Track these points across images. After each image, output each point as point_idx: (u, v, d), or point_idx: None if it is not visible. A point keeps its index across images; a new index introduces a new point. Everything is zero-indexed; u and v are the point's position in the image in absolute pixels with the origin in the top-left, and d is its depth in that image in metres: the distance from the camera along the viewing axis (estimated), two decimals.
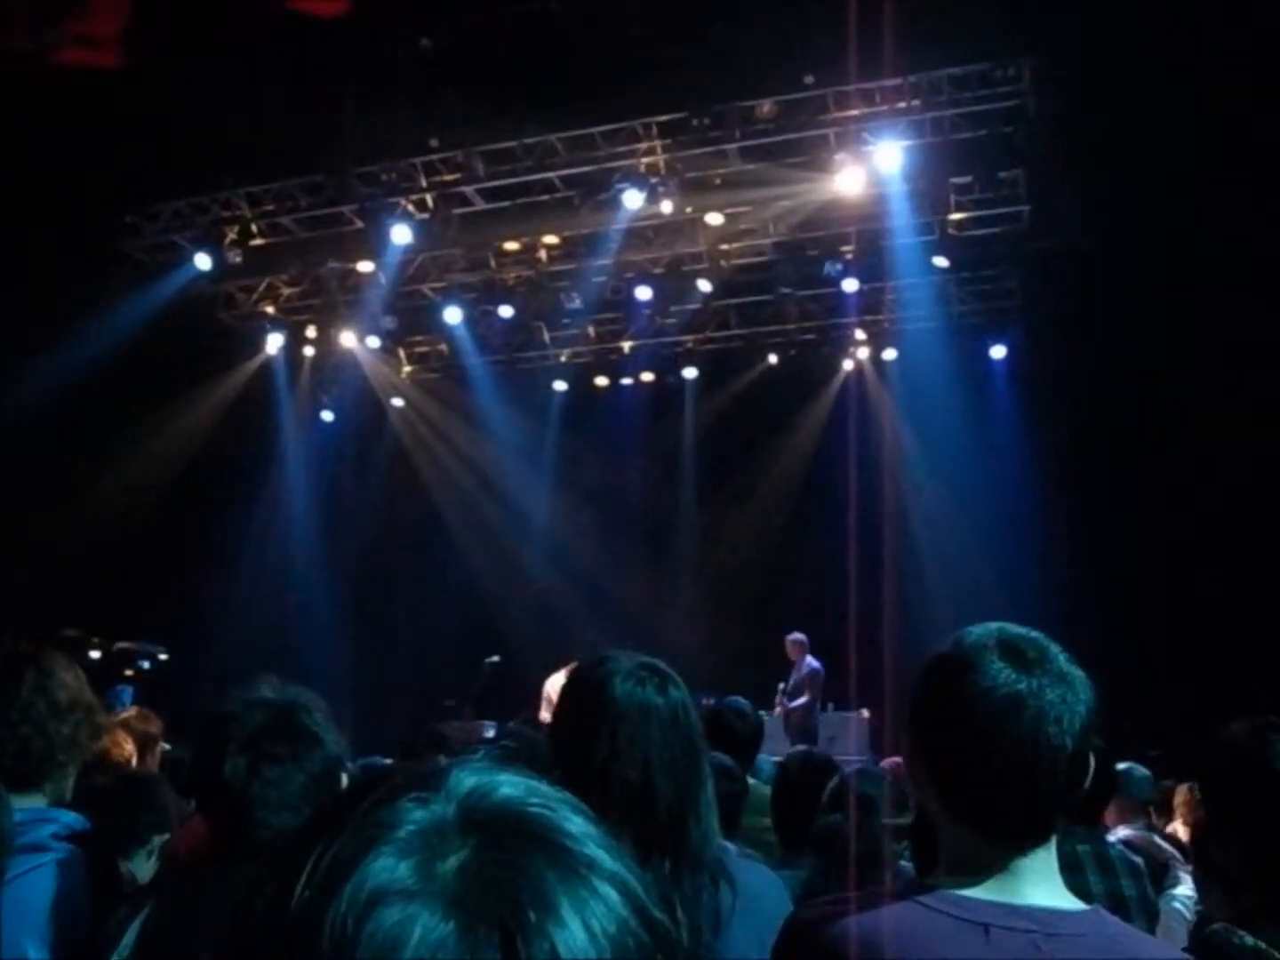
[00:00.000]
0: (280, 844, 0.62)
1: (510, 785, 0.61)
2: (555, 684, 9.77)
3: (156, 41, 8.84)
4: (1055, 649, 1.46)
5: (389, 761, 5.38)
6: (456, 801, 0.59)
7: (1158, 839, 4.31)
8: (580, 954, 0.54)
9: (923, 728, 1.51)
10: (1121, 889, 2.98)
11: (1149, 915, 3.05)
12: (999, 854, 1.44)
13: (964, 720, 1.42)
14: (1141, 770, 4.71)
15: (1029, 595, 10.39)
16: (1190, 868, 4.12)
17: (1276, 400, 9.60)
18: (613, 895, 0.57)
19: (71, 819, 2.17)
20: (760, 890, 2.01)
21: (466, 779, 0.61)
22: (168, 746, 4.63)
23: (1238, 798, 2.08)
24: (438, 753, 3.97)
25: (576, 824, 0.60)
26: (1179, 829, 4.78)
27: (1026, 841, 1.44)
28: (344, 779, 2.00)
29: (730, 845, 2.20)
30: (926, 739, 1.50)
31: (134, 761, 4.04)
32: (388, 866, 0.55)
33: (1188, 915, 3.35)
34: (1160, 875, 3.73)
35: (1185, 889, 3.65)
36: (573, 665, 2.13)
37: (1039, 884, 1.43)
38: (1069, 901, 1.44)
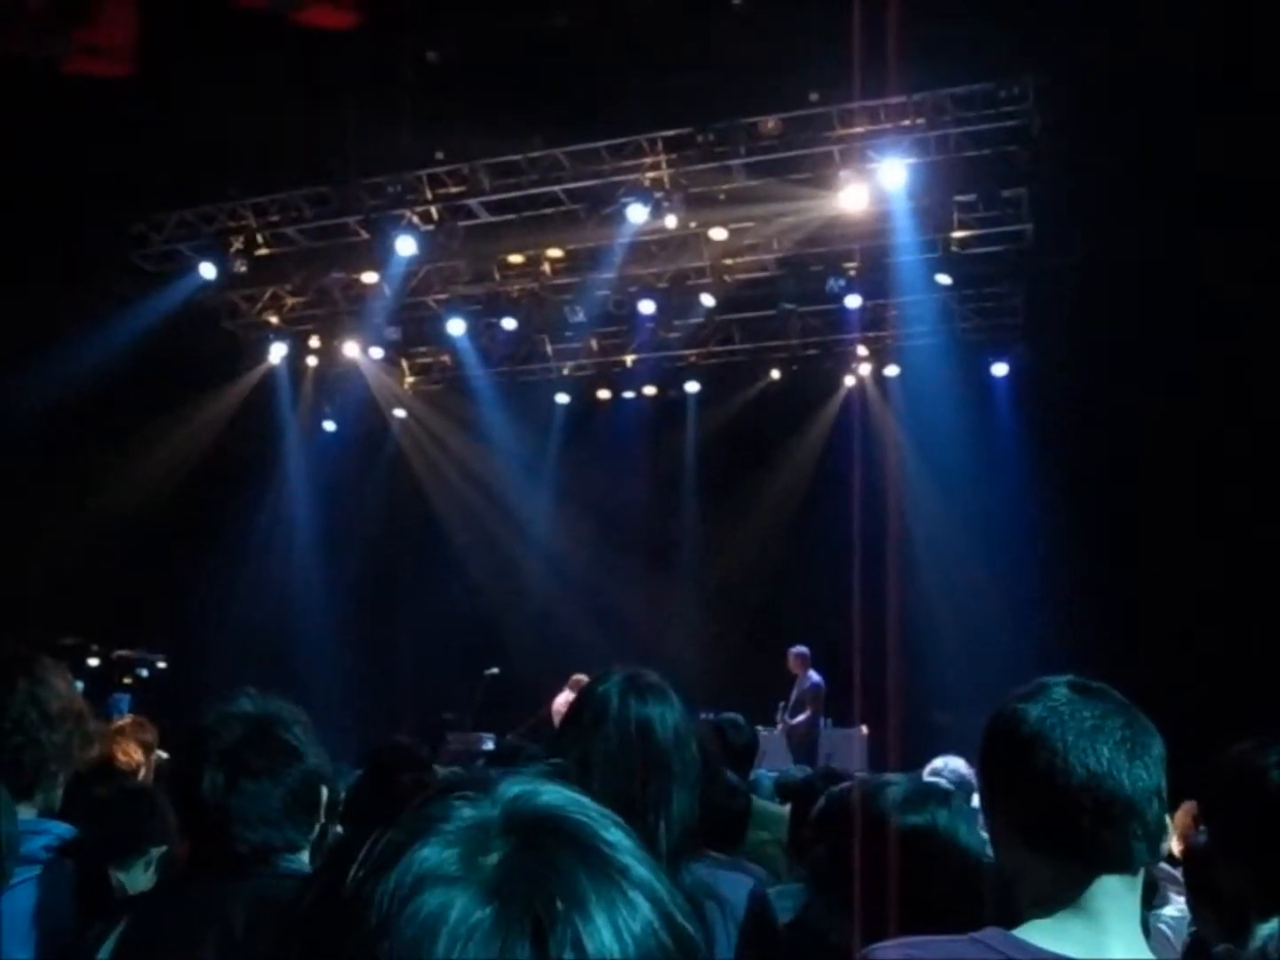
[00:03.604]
0: (339, 840, 0.67)
1: (552, 794, 0.66)
2: (561, 702, 9.78)
3: (164, 51, 8.88)
4: (1116, 693, 1.51)
5: None
6: (502, 804, 0.64)
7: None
8: (605, 948, 0.58)
9: (998, 763, 1.53)
10: None
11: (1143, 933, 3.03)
12: (1083, 890, 1.43)
13: (1040, 740, 1.44)
14: None
15: (1030, 611, 10.40)
16: (1179, 886, 4.10)
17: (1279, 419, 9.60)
18: (641, 901, 0.61)
19: (62, 830, 2.15)
20: (732, 897, 2.04)
21: (513, 786, 0.66)
22: (164, 755, 4.62)
23: (1244, 819, 2.06)
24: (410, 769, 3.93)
25: (613, 834, 0.64)
26: (1173, 847, 4.75)
27: (1110, 867, 1.44)
28: (324, 793, 1.96)
29: (720, 856, 2.22)
30: (1002, 773, 1.52)
31: (143, 770, 4.01)
32: (434, 854, 0.61)
33: (1170, 935, 3.32)
34: (1149, 894, 3.70)
35: (1172, 910, 3.61)
36: (573, 680, 2.21)
37: (1122, 934, 1.43)
38: (1149, 955, 1.45)
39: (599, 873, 0.61)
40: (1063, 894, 1.44)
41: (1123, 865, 1.44)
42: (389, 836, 0.62)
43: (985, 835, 1.76)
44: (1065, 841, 1.44)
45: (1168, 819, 1.48)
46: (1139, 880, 1.47)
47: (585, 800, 0.66)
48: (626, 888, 0.61)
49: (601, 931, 0.58)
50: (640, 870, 0.62)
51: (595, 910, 0.59)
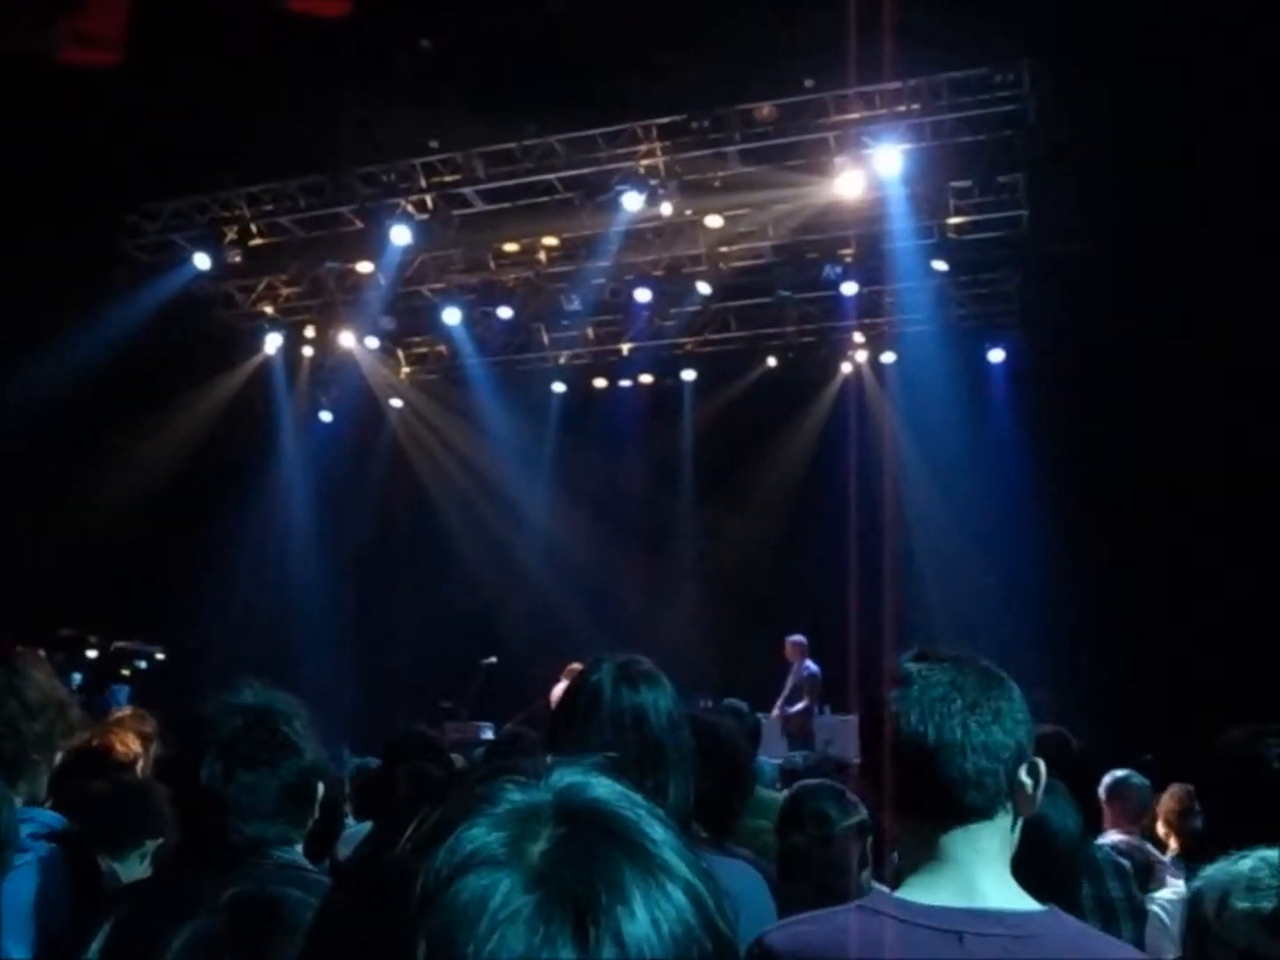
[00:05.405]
0: (392, 811, 0.68)
1: (604, 788, 0.66)
2: (559, 692, 9.79)
3: (156, 40, 8.83)
4: (967, 654, 1.63)
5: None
6: (553, 792, 0.64)
7: (1146, 844, 4.32)
8: (644, 942, 0.58)
9: (864, 739, 1.65)
10: (1109, 891, 3.02)
11: (1135, 916, 3.07)
12: (938, 841, 1.50)
13: (871, 712, 1.59)
14: (1140, 778, 4.71)
15: (1025, 598, 10.42)
16: (1171, 868, 4.13)
17: (1277, 405, 9.60)
18: (682, 899, 0.61)
19: (49, 818, 2.16)
20: (742, 889, 2.05)
21: (566, 775, 0.66)
22: (162, 747, 4.61)
23: (1237, 804, 2.07)
24: (426, 758, 3.96)
25: (659, 832, 0.64)
26: (1159, 827, 4.80)
27: (950, 817, 1.49)
28: (320, 789, 1.97)
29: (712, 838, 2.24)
30: (867, 747, 1.64)
31: (141, 762, 4.00)
32: (482, 835, 0.61)
33: (1166, 919, 3.35)
34: (1145, 877, 3.74)
35: (1168, 892, 3.65)
36: (569, 669, 2.23)
37: (995, 882, 1.49)
38: (1025, 901, 1.50)
39: (643, 869, 0.61)
40: (926, 849, 1.51)
41: (961, 814, 1.49)
42: (438, 815, 0.63)
43: None
44: (906, 798, 1.52)
45: (1022, 771, 1.54)
46: (997, 825, 1.51)
47: (636, 796, 0.66)
48: (669, 886, 0.61)
49: (642, 926, 0.58)
50: (684, 870, 0.63)
51: (637, 906, 0.59)
